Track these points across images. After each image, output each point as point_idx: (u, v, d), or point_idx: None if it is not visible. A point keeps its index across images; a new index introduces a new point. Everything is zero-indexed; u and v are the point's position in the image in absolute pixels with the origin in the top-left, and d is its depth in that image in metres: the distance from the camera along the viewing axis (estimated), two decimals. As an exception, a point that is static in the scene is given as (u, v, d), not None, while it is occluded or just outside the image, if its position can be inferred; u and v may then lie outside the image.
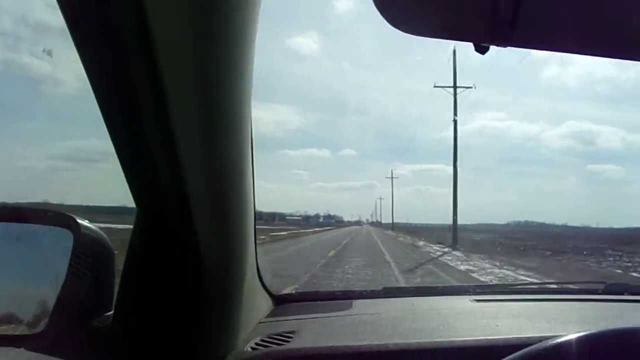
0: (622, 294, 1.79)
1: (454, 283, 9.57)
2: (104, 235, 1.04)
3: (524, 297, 1.75)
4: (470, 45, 0.62)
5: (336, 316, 1.45)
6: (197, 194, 0.91)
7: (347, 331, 1.28)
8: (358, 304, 1.61)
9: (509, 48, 0.61)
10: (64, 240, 1.00)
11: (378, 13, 0.57)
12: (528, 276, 11.47)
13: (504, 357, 0.70)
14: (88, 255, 0.99)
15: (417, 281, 10.20)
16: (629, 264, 15.86)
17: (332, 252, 18.08)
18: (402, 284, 9.14)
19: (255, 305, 1.43)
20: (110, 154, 0.87)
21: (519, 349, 0.71)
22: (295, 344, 1.20)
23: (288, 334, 1.26)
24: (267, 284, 1.59)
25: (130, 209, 0.98)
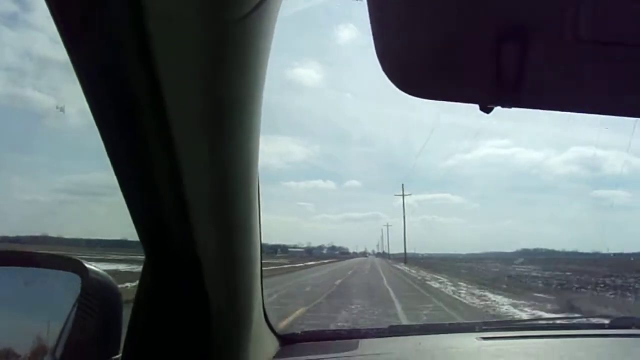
0: (628, 328, 1.80)
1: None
2: (112, 279, 1.06)
3: (529, 334, 1.75)
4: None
5: (343, 357, 1.46)
6: (204, 240, 0.93)
7: None
8: (364, 343, 1.62)
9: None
10: (73, 284, 1.03)
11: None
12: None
13: None
14: (96, 299, 1.01)
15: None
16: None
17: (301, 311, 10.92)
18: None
19: (262, 347, 1.43)
20: (114, 187, 0.88)
21: None
22: None
23: None
24: (272, 324, 1.61)
25: (134, 242, 1.00)
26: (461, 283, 21.20)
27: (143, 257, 1.01)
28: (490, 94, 0.62)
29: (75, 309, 1.01)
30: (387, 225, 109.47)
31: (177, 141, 0.80)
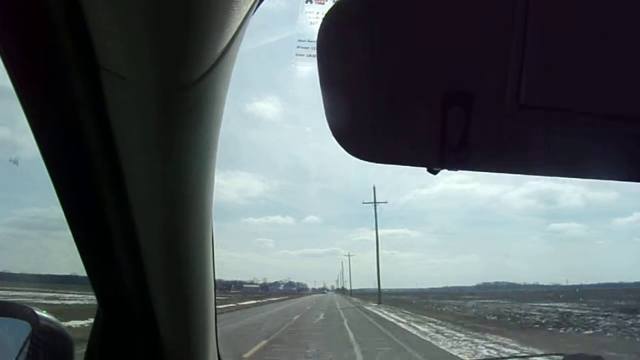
0: None
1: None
2: (64, 327, 1.05)
3: None
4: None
5: None
6: (157, 285, 0.94)
7: None
8: None
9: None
10: (22, 331, 1.02)
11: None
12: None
13: None
14: (47, 346, 1.00)
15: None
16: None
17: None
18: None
19: None
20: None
21: None
22: None
23: None
24: None
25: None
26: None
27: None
28: (436, 157, 0.65)
29: (25, 357, 1.00)
30: (349, 255, 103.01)
31: (128, 179, 0.82)
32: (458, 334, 15.51)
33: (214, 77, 0.74)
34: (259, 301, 49.04)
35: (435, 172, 0.69)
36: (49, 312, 1.05)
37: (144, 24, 0.62)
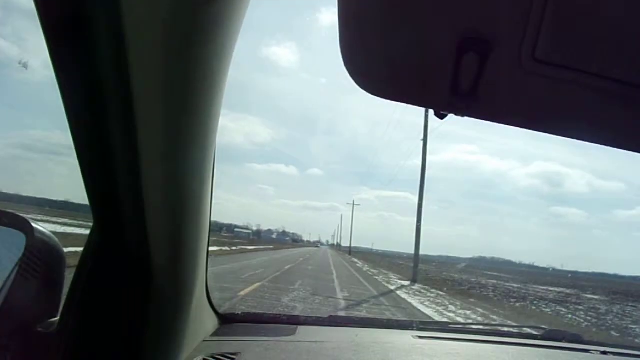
0: (560, 341, 1.93)
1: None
2: (57, 241, 1.08)
3: (464, 337, 1.85)
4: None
5: (280, 341, 1.52)
6: (154, 212, 0.96)
7: (290, 357, 1.36)
8: (302, 330, 1.70)
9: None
10: (17, 242, 1.05)
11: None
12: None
13: None
14: (39, 259, 1.03)
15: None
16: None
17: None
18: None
19: (201, 323, 1.48)
20: (71, 148, 0.89)
21: None
22: None
23: (231, 355, 1.32)
24: (214, 302, 1.67)
25: (84, 205, 1.01)
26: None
27: (90, 222, 1.05)
28: (446, 101, 0.66)
29: (17, 267, 1.04)
30: (353, 204, 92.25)
31: (136, 110, 0.83)
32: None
33: None
34: (255, 248, 46.62)
35: (442, 117, 0.71)
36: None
37: None
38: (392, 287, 19.09)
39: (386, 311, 10.78)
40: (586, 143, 0.76)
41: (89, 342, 1.06)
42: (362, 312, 9.73)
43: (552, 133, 0.74)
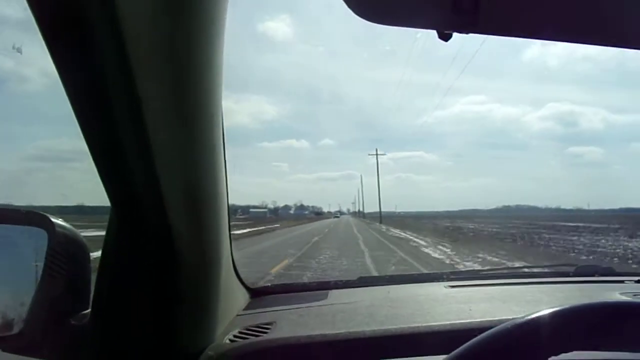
0: (592, 275, 1.94)
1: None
2: (79, 233, 1.09)
3: (496, 282, 1.86)
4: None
5: (312, 306, 1.54)
6: (170, 189, 0.96)
7: (324, 320, 1.36)
8: (334, 294, 1.71)
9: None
10: (39, 239, 1.07)
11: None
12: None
13: None
14: (63, 254, 1.05)
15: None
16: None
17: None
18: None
19: (233, 299, 1.50)
20: (83, 153, 0.91)
21: None
22: (273, 334, 1.27)
23: (266, 326, 1.34)
24: (242, 277, 1.69)
25: (105, 207, 1.03)
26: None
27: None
28: (448, 19, 0.65)
29: (42, 264, 1.05)
30: (377, 154, 78.23)
31: (141, 97, 0.83)
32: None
33: None
34: (268, 227, 38.80)
35: (446, 38, 0.69)
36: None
37: None
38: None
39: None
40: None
41: (123, 329, 1.08)
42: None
43: (558, 39, 0.73)
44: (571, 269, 2.03)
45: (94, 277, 1.09)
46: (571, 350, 0.69)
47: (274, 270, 11.38)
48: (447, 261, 13.69)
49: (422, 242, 21.39)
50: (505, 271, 2.32)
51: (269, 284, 1.92)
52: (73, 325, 1.07)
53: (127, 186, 0.97)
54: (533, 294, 1.59)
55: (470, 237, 26.04)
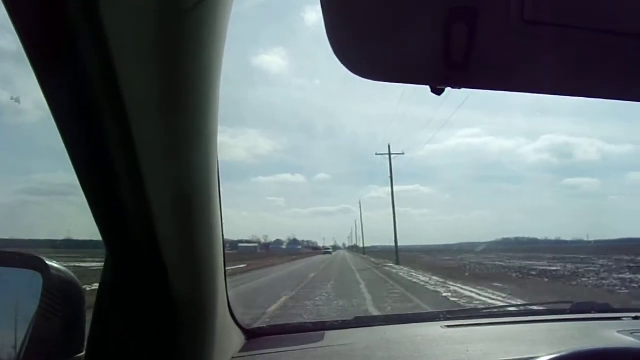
0: (589, 312, 1.95)
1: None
2: (74, 276, 1.10)
3: (493, 321, 1.86)
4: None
5: (309, 349, 1.53)
6: (165, 232, 0.97)
7: None
8: (330, 335, 1.70)
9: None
10: (34, 282, 1.07)
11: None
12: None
13: None
14: (58, 296, 1.05)
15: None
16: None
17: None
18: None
19: (228, 341, 1.49)
20: (77, 187, 0.90)
21: None
22: None
23: None
24: (238, 318, 1.69)
25: (98, 242, 1.02)
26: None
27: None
28: (440, 75, 0.67)
29: (37, 307, 1.05)
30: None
31: (134, 135, 0.83)
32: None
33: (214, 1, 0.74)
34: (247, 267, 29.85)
35: (439, 93, 0.71)
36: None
37: None
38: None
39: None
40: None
41: None
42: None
43: (550, 93, 0.75)
44: (568, 306, 2.04)
45: (89, 320, 1.08)
46: None
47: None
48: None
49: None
50: (501, 309, 2.31)
51: (265, 325, 1.92)
52: None
53: (122, 228, 0.97)
54: (530, 334, 1.59)
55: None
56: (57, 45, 0.75)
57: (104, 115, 0.81)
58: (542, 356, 0.79)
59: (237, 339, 1.64)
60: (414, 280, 19.72)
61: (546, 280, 18.19)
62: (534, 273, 21.31)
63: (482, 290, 14.45)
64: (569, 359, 0.76)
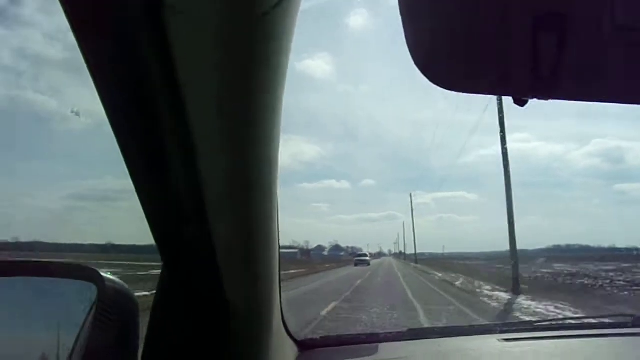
0: None
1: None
2: (128, 287, 1.11)
3: (552, 334, 1.80)
4: None
5: None
6: (222, 243, 0.96)
7: None
8: (384, 347, 1.68)
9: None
10: (88, 293, 1.08)
11: (392, 31, 0.65)
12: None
13: None
14: (112, 308, 1.04)
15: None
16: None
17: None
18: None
19: (281, 353, 1.47)
20: (127, 192, 0.91)
21: None
22: None
23: None
24: (291, 330, 1.67)
25: (148, 246, 1.04)
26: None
27: (157, 262, 1.07)
28: (525, 85, 0.64)
29: (91, 318, 1.06)
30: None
31: (196, 141, 0.82)
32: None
33: (283, 10, 0.73)
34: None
35: (523, 104, 0.68)
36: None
37: None
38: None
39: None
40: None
41: None
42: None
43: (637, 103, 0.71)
44: (629, 319, 1.95)
45: (143, 332, 1.08)
46: None
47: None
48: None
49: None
50: (560, 323, 2.24)
51: (318, 337, 1.90)
52: None
53: (178, 239, 0.97)
54: (592, 350, 1.53)
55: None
56: (116, 50, 0.75)
57: (164, 123, 0.82)
58: None
59: (290, 351, 1.62)
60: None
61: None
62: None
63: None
64: None
